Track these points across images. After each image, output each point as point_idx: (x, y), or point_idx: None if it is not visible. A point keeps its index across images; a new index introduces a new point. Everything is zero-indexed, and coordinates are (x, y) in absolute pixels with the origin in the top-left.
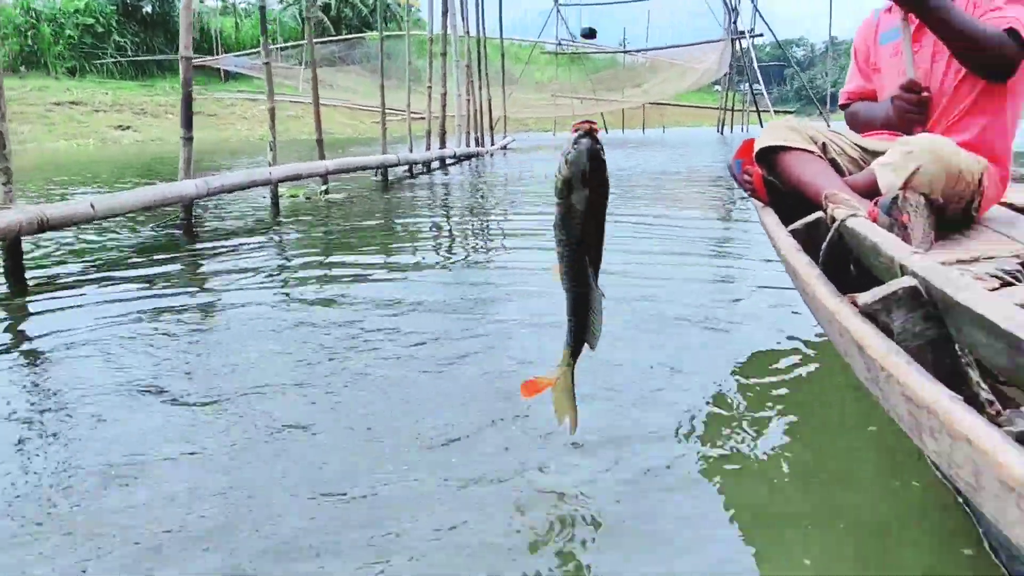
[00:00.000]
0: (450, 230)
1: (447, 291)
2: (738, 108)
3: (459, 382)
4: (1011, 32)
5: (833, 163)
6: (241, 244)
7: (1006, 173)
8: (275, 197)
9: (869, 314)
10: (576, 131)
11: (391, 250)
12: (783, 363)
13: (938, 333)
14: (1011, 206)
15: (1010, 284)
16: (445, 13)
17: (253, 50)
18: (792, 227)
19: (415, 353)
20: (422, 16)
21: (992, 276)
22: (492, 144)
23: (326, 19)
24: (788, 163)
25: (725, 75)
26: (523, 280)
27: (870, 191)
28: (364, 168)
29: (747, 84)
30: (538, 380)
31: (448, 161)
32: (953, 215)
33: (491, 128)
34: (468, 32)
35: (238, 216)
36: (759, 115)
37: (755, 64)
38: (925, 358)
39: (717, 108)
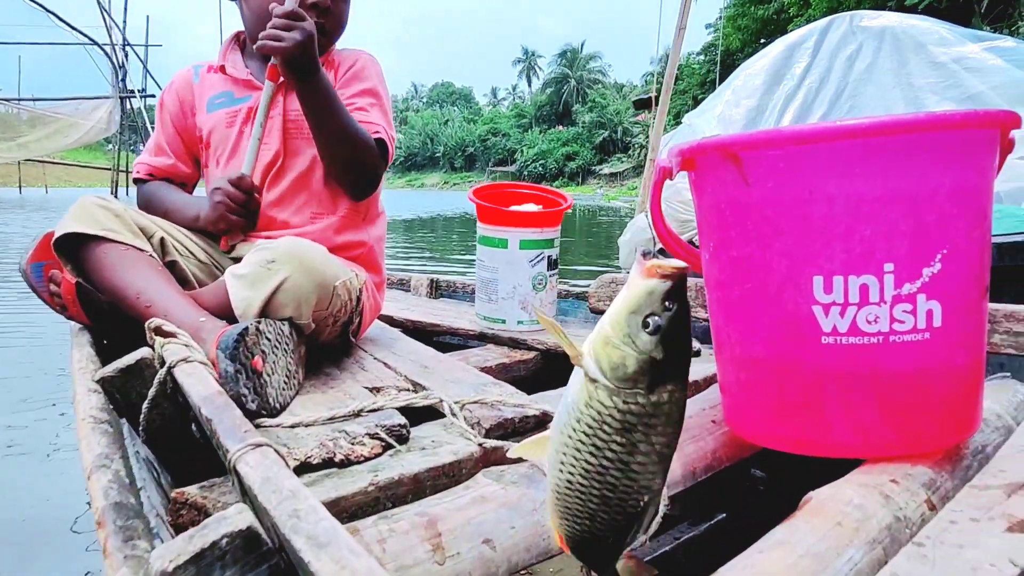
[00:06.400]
0: None
1: None
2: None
3: None
4: (379, 142)
5: (174, 267)
6: None
7: (382, 279)
8: None
9: None
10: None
11: None
12: None
13: None
14: (389, 320)
15: (391, 447)
16: None
17: None
18: (102, 373)
19: None
20: None
21: (374, 437)
22: None
23: None
24: (103, 261)
25: (117, 133)
26: None
27: (227, 311)
28: None
29: (141, 144)
30: None
31: None
32: (329, 340)
33: None
34: None
35: None
36: None
37: (148, 124)
38: None
39: (109, 168)
